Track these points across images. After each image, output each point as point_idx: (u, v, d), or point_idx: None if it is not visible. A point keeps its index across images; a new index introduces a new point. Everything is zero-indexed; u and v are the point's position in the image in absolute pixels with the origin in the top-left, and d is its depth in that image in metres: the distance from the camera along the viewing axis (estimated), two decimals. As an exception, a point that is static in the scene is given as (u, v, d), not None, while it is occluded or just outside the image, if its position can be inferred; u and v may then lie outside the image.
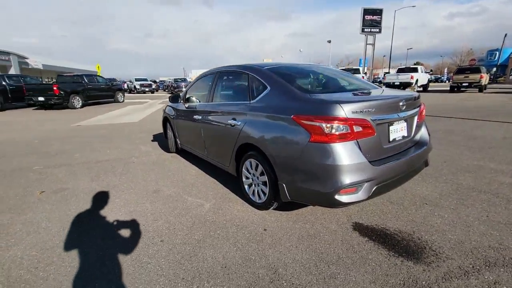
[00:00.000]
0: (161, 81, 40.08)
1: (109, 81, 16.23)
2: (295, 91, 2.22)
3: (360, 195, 1.90)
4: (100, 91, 14.71)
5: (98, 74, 22.70)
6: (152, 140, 5.77)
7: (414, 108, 2.36)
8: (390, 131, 2.12)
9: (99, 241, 2.14)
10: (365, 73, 26.47)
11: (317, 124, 1.87)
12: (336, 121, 1.84)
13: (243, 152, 2.63)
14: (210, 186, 3.21)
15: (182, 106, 3.94)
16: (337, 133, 1.84)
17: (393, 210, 2.49)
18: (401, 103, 2.14)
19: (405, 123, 2.27)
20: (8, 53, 28.27)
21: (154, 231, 2.27)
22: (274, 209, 2.54)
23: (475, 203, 2.55)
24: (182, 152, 4.58)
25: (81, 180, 3.51)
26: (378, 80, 37.80)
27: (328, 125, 1.85)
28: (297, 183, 2.07)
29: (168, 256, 1.95)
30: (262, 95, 2.44)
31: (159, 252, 1.99)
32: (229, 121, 2.71)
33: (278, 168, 2.18)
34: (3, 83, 12.48)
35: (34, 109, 12.94)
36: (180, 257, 1.93)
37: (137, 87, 26.70)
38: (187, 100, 3.85)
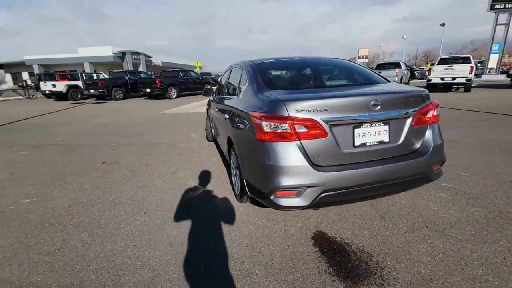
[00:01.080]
0: (252, 74, 42.50)
1: (199, 76, 18.55)
2: (262, 88, 2.18)
3: (299, 200, 1.76)
4: (192, 84, 17.04)
5: (196, 69, 26.20)
6: (205, 129, 6.44)
7: (405, 109, 1.91)
8: (356, 134, 1.82)
9: (107, 205, 2.73)
10: (480, 62, 20.77)
11: (259, 122, 1.83)
12: (274, 120, 1.75)
13: (230, 145, 2.75)
14: (217, 174, 3.46)
15: (213, 98, 4.29)
16: (275, 132, 1.75)
17: (377, 226, 2.13)
18: (372, 102, 1.79)
19: (386, 126, 1.88)
20: (138, 53, 35.88)
21: (147, 204, 2.71)
22: (252, 203, 2.58)
23: (502, 239, 1.90)
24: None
25: (132, 156, 4.37)
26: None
27: (270, 124, 1.78)
28: (250, 179, 2.07)
29: (140, 225, 2.32)
30: (243, 90, 2.48)
31: (136, 221, 2.39)
32: (224, 115, 2.87)
33: (241, 163, 2.22)
34: (126, 77, 16.12)
35: (144, 99, 16.20)
36: (146, 229, 2.27)
37: (227, 80, 29.42)
38: (217, 93, 4.18)
